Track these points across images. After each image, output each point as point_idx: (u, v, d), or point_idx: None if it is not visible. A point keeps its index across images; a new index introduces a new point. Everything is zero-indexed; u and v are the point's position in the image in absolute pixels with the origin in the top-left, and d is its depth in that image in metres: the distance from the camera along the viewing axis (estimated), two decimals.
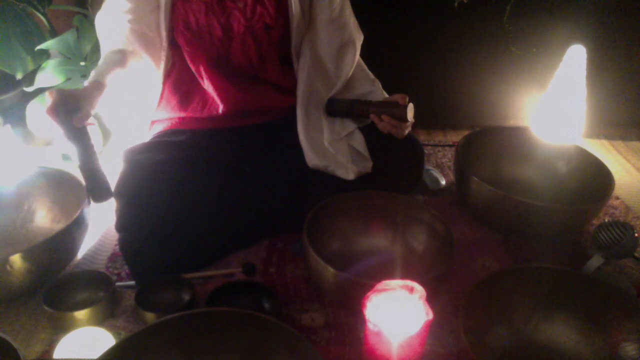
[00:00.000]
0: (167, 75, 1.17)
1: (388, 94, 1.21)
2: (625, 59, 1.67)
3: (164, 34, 1.09)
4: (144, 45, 1.09)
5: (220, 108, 1.14)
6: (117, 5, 1.07)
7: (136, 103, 1.17)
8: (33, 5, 1.43)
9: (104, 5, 1.10)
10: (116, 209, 1.00)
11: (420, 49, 1.67)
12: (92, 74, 1.02)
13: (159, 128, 1.17)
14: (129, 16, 1.06)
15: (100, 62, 1.07)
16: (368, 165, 1.13)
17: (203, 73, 1.12)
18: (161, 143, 1.10)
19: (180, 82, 1.16)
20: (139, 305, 0.90)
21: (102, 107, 1.02)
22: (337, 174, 1.12)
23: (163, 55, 1.13)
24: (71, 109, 0.92)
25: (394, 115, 1.12)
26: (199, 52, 1.11)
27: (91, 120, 0.98)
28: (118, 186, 1.02)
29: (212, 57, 1.11)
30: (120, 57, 1.07)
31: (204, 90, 1.15)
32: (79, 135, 0.95)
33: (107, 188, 1.00)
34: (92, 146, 0.98)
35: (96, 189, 0.99)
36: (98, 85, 0.99)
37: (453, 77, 1.71)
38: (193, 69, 1.13)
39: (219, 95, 1.13)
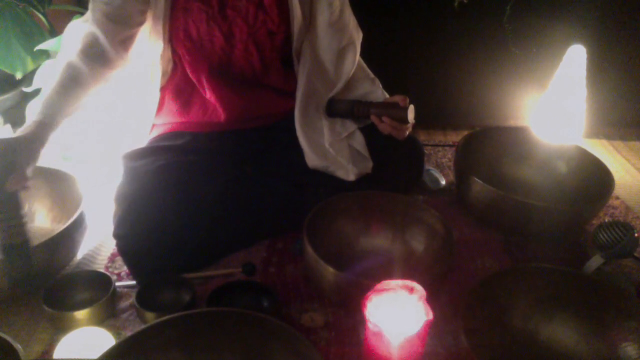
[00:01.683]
0: (167, 82, 1.17)
1: (388, 93, 1.21)
2: (625, 59, 1.67)
3: (161, 43, 1.09)
4: (128, 55, 1.06)
5: (222, 116, 1.14)
6: (104, 13, 1.02)
7: (130, 110, 1.16)
8: (33, 5, 1.43)
9: (87, 14, 1.04)
10: (114, 215, 1.00)
11: (420, 48, 1.67)
12: (40, 107, 0.89)
13: (158, 131, 1.17)
14: (114, 23, 1.02)
15: (52, 89, 0.96)
16: (368, 166, 1.13)
17: (204, 83, 1.12)
18: (160, 148, 1.10)
19: (180, 90, 1.16)
20: (139, 305, 0.90)
21: (54, 144, 0.89)
22: (337, 174, 1.12)
23: (160, 64, 1.12)
24: (3, 166, 0.76)
25: (395, 117, 1.12)
26: (200, 60, 1.10)
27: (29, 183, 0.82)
28: (117, 193, 1.01)
29: (214, 65, 1.11)
30: (79, 79, 0.98)
31: (204, 98, 1.15)
32: (9, 202, 0.76)
33: (28, 276, 0.82)
34: (23, 216, 0.80)
35: (17, 272, 0.82)
36: (43, 129, 0.86)
37: (453, 77, 1.71)
38: (194, 79, 1.13)
39: (221, 103, 1.13)
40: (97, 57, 1.02)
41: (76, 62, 1.00)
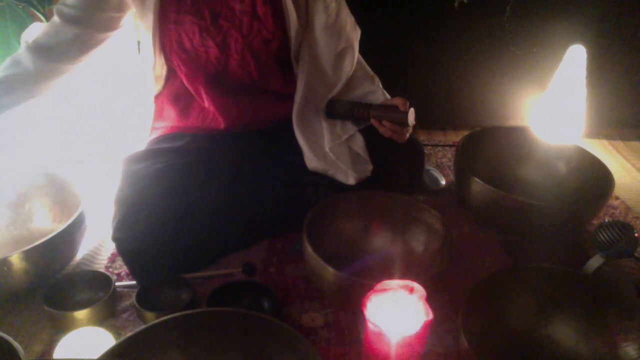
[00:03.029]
0: (165, 88, 1.17)
1: (388, 93, 1.21)
2: (625, 59, 1.67)
3: (152, 55, 1.08)
4: (88, 57, 1.06)
5: (222, 124, 1.14)
6: (64, 15, 1.01)
7: (127, 115, 1.16)
8: (33, 5, 1.43)
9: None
10: (113, 219, 1.00)
11: (420, 48, 1.66)
12: None
13: (158, 132, 1.17)
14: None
15: None
16: (368, 169, 1.13)
17: (202, 93, 1.12)
18: (159, 150, 1.10)
19: (179, 95, 1.16)
20: (139, 305, 0.90)
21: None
22: (337, 177, 1.11)
23: (153, 72, 1.12)
24: None
25: (395, 121, 1.11)
26: (196, 71, 1.10)
27: None
28: (116, 197, 1.01)
29: (210, 74, 1.10)
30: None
31: (203, 105, 1.14)
32: None
33: None
34: None
35: None
36: None
37: (453, 77, 1.71)
38: (191, 89, 1.12)
39: (220, 112, 1.13)
40: (47, 57, 1.02)
41: (23, 60, 1.02)
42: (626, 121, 1.78)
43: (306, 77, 1.15)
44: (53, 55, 1.03)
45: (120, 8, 1.04)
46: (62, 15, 1.01)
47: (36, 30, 1.04)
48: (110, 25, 1.05)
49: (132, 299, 0.93)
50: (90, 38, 1.04)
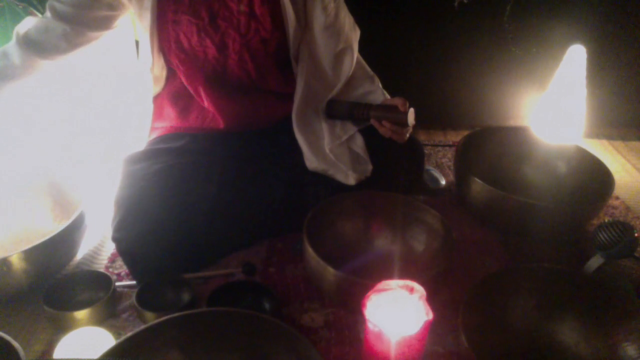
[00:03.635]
0: (165, 87, 1.17)
1: (388, 93, 1.21)
2: (625, 59, 1.67)
3: (150, 55, 1.08)
4: (74, 53, 1.06)
5: (221, 124, 1.14)
6: (56, 10, 1.00)
7: (126, 115, 1.16)
8: (33, 5, 1.43)
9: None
10: (113, 219, 1.00)
11: (420, 48, 1.67)
12: None
13: (157, 132, 1.17)
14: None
15: None
16: (368, 169, 1.13)
17: (202, 93, 1.12)
18: (158, 150, 1.10)
19: (178, 95, 1.16)
20: (139, 305, 0.90)
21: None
22: (336, 178, 1.11)
23: (151, 73, 1.12)
24: None
25: (395, 121, 1.11)
26: (195, 71, 1.10)
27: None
28: (115, 197, 1.01)
29: (209, 73, 1.10)
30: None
31: (203, 105, 1.14)
32: None
33: None
34: None
35: None
36: None
37: (453, 77, 1.71)
38: (191, 89, 1.12)
39: (219, 112, 1.13)
40: (35, 51, 1.02)
41: (11, 53, 1.01)
42: (626, 121, 1.78)
43: (305, 77, 1.15)
44: (41, 50, 1.03)
45: (114, 7, 1.04)
46: (54, 10, 1.01)
47: (28, 23, 1.03)
48: (102, 24, 1.05)
49: (132, 299, 0.93)
50: (80, 35, 1.04)
